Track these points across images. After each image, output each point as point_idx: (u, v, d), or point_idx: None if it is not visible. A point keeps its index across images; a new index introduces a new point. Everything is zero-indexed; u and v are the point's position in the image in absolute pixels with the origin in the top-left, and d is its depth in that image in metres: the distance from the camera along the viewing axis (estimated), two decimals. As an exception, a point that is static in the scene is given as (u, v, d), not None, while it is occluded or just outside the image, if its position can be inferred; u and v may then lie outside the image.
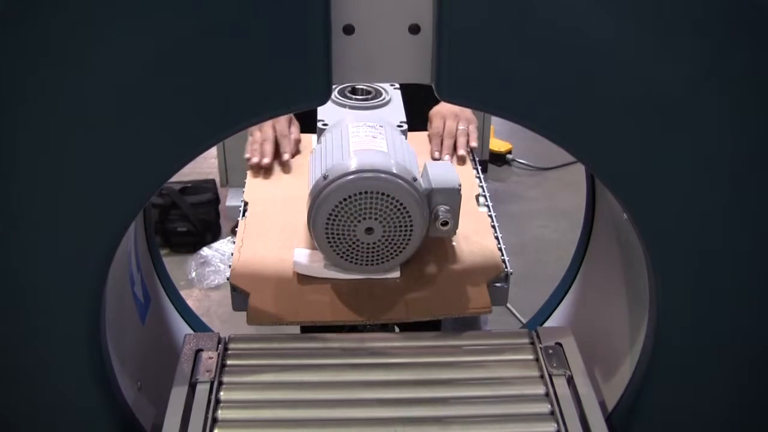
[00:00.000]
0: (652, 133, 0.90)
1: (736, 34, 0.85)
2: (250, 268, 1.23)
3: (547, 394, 1.07)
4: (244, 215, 1.37)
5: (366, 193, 1.12)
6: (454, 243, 1.28)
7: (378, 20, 0.88)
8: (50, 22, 0.82)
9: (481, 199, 1.43)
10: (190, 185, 3.41)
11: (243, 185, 1.49)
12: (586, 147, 0.93)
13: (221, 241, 3.37)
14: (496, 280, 1.22)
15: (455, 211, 1.19)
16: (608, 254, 1.29)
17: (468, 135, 1.58)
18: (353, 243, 1.17)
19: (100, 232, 0.94)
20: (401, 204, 1.13)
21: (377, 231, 1.15)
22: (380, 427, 1.02)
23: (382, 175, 1.12)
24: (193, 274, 3.18)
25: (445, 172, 1.21)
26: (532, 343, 1.16)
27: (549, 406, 1.05)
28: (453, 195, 1.18)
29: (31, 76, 0.84)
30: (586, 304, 1.41)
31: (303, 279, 1.22)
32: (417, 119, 1.52)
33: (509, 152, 4.10)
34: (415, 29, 0.88)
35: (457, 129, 1.57)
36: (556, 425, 1.02)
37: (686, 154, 0.91)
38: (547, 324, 1.46)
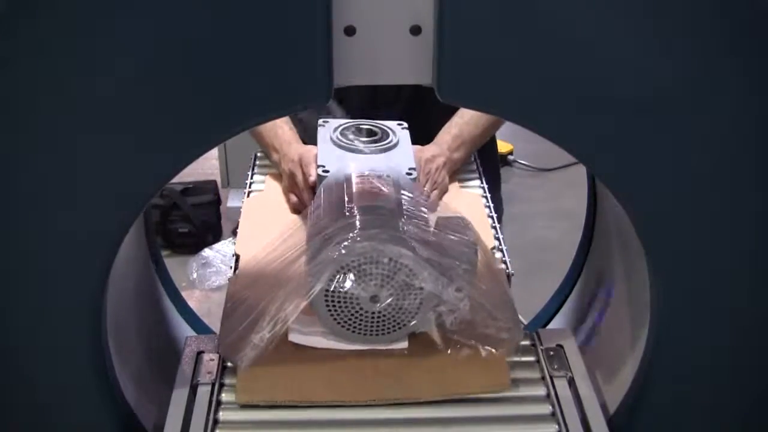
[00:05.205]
0: (652, 134, 0.90)
1: (736, 34, 0.85)
2: (240, 336, 1.06)
3: (548, 396, 1.07)
4: (235, 271, 1.24)
5: (371, 257, 1.01)
6: (468, 307, 1.08)
7: (379, 21, 0.88)
8: (49, 22, 0.82)
9: (498, 254, 1.28)
10: (191, 186, 3.41)
11: (244, 186, 1.48)
12: (585, 147, 0.93)
13: (222, 242, 3.37)
14: (516, 355, 1.09)
15: (471, 275, 1.05)
16: (610, 255, 1.29)
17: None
18: (356, 312, 1.05)
19: (101, 232, 0.94)
20: (410, 270, 1.01)
21: (383, 298, 1.03)
22: (381, 428, 1.03)
23: (389, 238, 1.01)
24: (195, 275, 3.18)
25: (459, 229, 1.09)
26: (534, 345, 1.16)
27: (550, 408, 1.05)
28: (468, 257, 1.05)
29: (30, 76, 0.84)
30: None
31: (299, 349, 1.09)
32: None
33: (510, 153, 4.10)
34: (416, 30, 0.88)
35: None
36: (557, 426, 1.02)
37: (686, 154, 0.91)
38: (548, 326, 1.46)
